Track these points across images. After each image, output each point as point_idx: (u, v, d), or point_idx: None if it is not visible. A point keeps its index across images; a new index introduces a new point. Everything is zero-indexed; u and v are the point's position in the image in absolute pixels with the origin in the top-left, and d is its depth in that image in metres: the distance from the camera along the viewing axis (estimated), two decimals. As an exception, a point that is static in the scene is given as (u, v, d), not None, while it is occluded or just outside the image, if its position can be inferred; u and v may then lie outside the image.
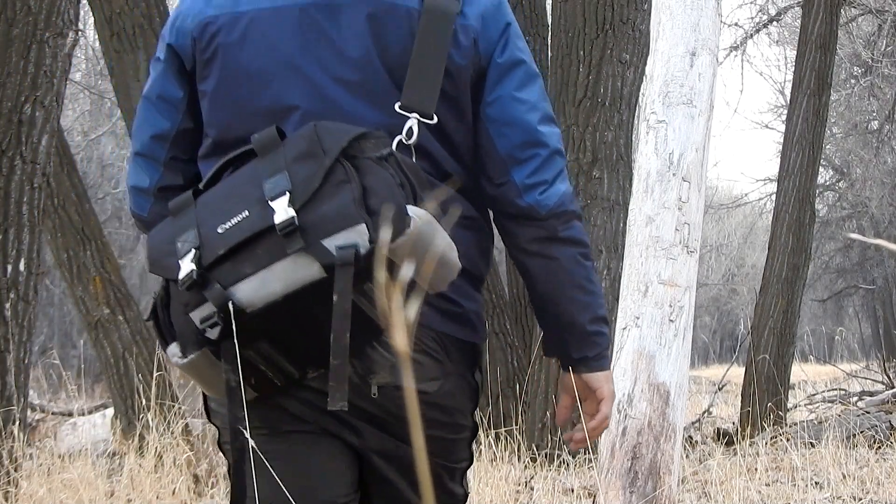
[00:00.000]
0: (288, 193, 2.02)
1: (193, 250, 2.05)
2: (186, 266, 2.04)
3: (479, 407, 2.45)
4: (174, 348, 2.10)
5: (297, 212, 2.00)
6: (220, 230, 2.05)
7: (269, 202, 2.02)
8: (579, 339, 2.37)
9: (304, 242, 1.99)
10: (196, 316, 2.04)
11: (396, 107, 2.20)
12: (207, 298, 2.03)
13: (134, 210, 2.41)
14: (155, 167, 2.36)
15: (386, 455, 2.26)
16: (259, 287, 2.01)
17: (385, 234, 1.98)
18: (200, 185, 2.19)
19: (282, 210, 2.01)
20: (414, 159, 2.20)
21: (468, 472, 2.44)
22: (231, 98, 2.27)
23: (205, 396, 2.33)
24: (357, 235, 1.98)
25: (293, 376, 2.10)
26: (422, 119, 2.21)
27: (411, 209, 2.02)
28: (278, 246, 2.00)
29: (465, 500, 2.42)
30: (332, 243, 1.98)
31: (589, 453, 7.09)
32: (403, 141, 2.20)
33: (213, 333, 2.02)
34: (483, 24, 2.28)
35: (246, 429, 2.10)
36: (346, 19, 2.23)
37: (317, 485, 2.26)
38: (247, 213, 2.04)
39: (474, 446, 2.60)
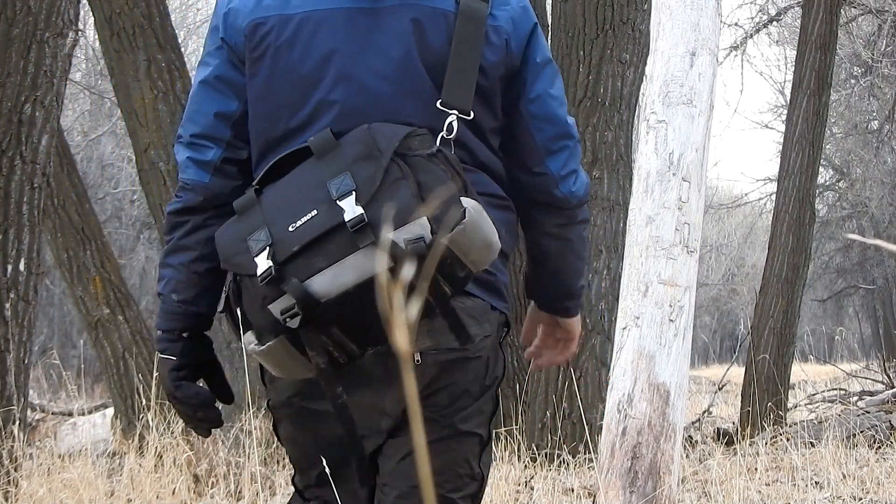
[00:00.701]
0: (354, 193, 2.24)
1: (267, 248, 2.26)
2: (263, 263, 2.25)
3: None
4: (249, 336, 2.31)
5: (364, 209, 2.23)
6: (290, 228, 2.26)
7: (337, 201, 2.24)
8: (569, 296, 2.76)
9: (374, 237, 2.21)
10: (275, 308, 2.25)
11: (438, 104, 2.39)
12: (286, 291, 2.24)
13: (194, 179, 2.49)
14: (218, 145, 2.50)
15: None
16: (333, 279, 2.23)
17: (446, 225, 2.21)
18: (255, 182, 2.38)
19: (350, 208, 2.23)
20: (453, 151, 2.40)
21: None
22: (280, 94, 2.44)
23: (262, 372, 2.51)
24: (420, 228, 2.21)
25: (355, 354, 2.31)
26: (461, 115, 2.40)
27: (464, 200, 2.25)
28: (349, 241, 2.23)
29: (484, 482, 2.71)
30: (399, 236, 2.20)
31: (589, 453, 7.10)
32: (444, 136, 2.39)
33: (293, 323, 2.23)
34: (514, 26, 2.48)
35: (340, 399, 2.33)
36: (388, 22, 2.42)
37: (337, 450, 2.50)
38: (315, 212, 2.26)
39: None
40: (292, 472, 2.68)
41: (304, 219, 2.27)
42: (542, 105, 2.53)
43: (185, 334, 2.54)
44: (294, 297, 2.23)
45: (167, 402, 7.60)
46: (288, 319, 2.24)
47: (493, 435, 2.74)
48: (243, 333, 2.35)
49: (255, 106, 2.48)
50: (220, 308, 2.48)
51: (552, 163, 2.55)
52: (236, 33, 2.47)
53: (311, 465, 2.56)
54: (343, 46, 2.43)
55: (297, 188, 2.32)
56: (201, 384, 2.61)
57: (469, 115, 2.41)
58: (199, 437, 5.15)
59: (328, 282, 2.24)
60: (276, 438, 2.72)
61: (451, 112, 2.40)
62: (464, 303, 2.42)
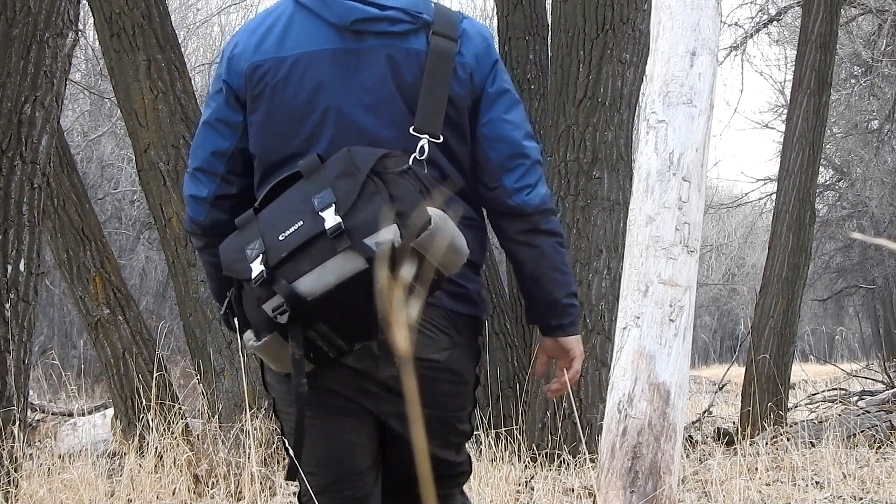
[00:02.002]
0: (334, 205, 2.59)
1: (261, 255, 2.62)
2: (257, 268, 2.61)
3: (480, 407, 3.01)
4: (249, 334, 2.68)
5: (342, 218, 2.57)
6: (280, 238, 2.62)
7: (319, 213, 2.59)
8: (557, 310, 3.02)
9: (350, 241, 2.56)
10: (268, 307, 2.60)
11: (411, 130, 2.74)
12: (276, 292, 2.59)
13: (192, 216, 2.93)
14: (213, 180, 2.89)
15: (401, 417, 2.81)
16: (317, 280, 2.57)
17: (412, 230, 2.54)
18: (257, 204, 2.74)
19: (330, 218, 2.58)
20: (426, 171, 2.75)
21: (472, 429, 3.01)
22: (277, 126, 2.81)
23: (263, 373, 2.90)
24: (390, 233, 2.54)
25: (343, 349, 2.65)
26: (431, 139, 2.76)
27: (430, 210, 2.58)
28: (329, 246, 2.57)
29: (472, 433, 3.02)
30: (371, 241, 2.54)
31: (590, 453, 7.10)
32: (417, 157, 2.74)
33: (283, 319, 2.59)
34: (477, 61, 2.84)
35: (303, 389, 2.66)
36: (369, 60, 2.77)
37: (346, 455, 2.86)
38: (301, 222, 2.61)
39: (475, 447, 3.05)
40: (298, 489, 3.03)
41: (292, 228, 2.62)
42: (494, 128, 2.86)
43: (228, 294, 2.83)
44: (283, 296, 2.58)
45: (167, 402, 7.61)
46: (278, 316, 2.59)
47: (474, 427, 3.11)
48: (242, 333, 2.71)
49: (256, 137, 2.85)
50: (222, 310, 2.83)
51: (507, 179, 2.87)
52: (237, 75, 2.84)
53: (319, 468, 2.92)
54: (329, 81, 2.78)
55: (287, 204, 2.67)
56: None
57: (439, 139, 2.77)
58: (199, 437, 5.21)
59: (312, 282, 2.58)
60: (280, 433, 3.03)
61: (422, 136, 2.75)
62: (429, 313, 2.77)
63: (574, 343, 3.09)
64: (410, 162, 2.71)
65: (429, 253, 2.55)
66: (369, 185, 2.61)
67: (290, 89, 2.79)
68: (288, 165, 2.78)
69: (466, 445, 3.09)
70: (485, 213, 2.99)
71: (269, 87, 2.80)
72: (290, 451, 2.84)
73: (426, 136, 2.76)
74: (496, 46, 2.98)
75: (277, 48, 2.81)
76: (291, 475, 2.83)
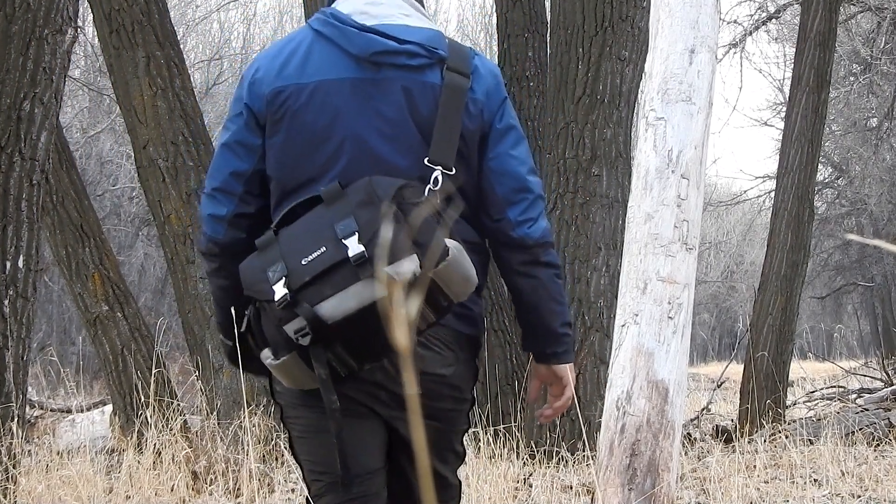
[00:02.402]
0: (357, 233, 2.71)
1: (283, 278, 2.73)
2: (280, 290, 2.72)
3: (479, 404, 3.13)
4: (267, 352, 2.80)
5: (364, 246, 2.69)
6: (303, 262, 2.73)
7: (342, 240, 2.71)
8: (552, 338, 3.11)
9: (373, 270, 2.67)
10: (289, 328, 2.72)
11: (426, 161, 2.87)
12: (299, 314, 2.70)
13: (211, 234, 3.01)
14: (232, 199, 2.98)
15: (409, 426, 2.95)
16: (338, 304, 2.69)
17: (431, 261, 2.69)
18: (274, 225, 2.85)
19: (354, 246, 2.69)
20: (439, 201, 2.85)
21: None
22: (296, 149, 2.92)
23: (271, 380, 3.00)
24: (412, 263, 2.66)
25: (353, 369, 2.78)
26: (444, 171, 2.88)
27: (448, 241, 2.75)
28: (352, 273, 2.69)
29: (465, 457, 3.16)
30: (393, 270, 2.65)
31: (588, 450, 7.10)
32: (431, 188, 2.85)
33: (305, 341, 2.70)
34: (487, 98, 2.98)
35: (335, 407, 2.80)
36: (386, 90, 2.90)
37: (356, 454, 2.95)
38: (324, 248, 2.72)
39: (473, 444, 3.20)
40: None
41: (315, 254, 2.73)
42: (501, 162, 2.99)
43: (235, 326, 2.98)
44: (305, 318, 2.70)
45: (165, 399, 7.61)
46: (300, 338, 2.71)
47: (465, 452, 3.22)
48: (260, 350, 2.83)
49: (275, 160, 2.95)
50: (242, 328, 2.91)
51: (511, 212, 3.00)
52: (259, 99, 2.95)
53: (321, 473, 3.02)
54: (348, 109, 2.90)
55: (309, 229, 2.79)
56: None
57: (451, 171, 2.89)
58: (198, 434, 5.18)
59: (334, 307, 2.69)
60: (291, 455, 3.20)
61: (436, 167, 2.88)
62: (438, 332, 2.91)
63: (567, 370, 3.18)
64: (426, 193, 2.84)
65: (444, 282, 2.72)
66: (389, 215, 2.73)
67: (310, 115, 2.91)
68: (305, 188, 2.90)
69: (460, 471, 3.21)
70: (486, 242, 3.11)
71: (290, 111, 2.92)
72: (297, 457, 3.05)
73: (440, 167, 2.88)
74: (504, 86, 3.08)
75: (298, 75, 2.93)
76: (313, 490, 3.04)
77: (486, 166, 2.99)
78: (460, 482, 3.20)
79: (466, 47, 3.03)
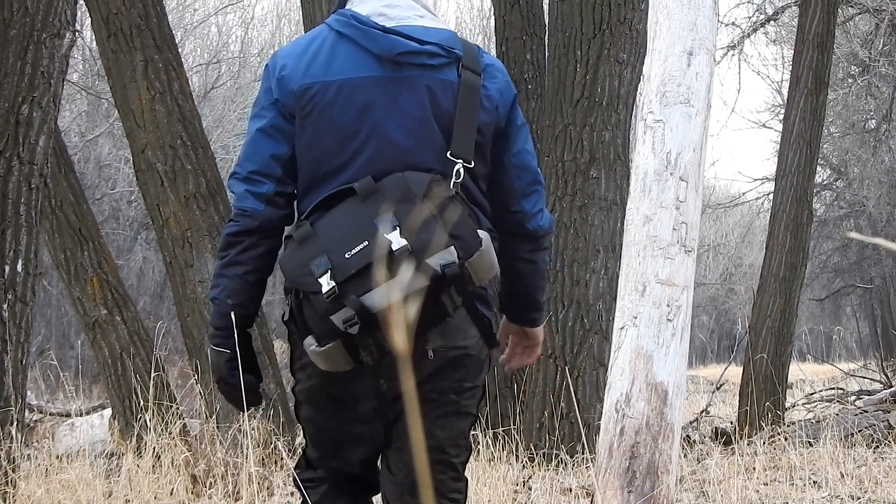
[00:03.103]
0: (398, 228, 2.90)
1: (328, 271, 2.90)
2: (326, 283, 2.89)
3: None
4: (310, 340, 2.96)
5: (407, 240, 2.88)
6: (347, 255, 2.91)
7: (385, 235, 2.89)
8: (534, 307, 3.46)
9: (416, 261, 2.87)
10: (337, 318, 2.89)
11: (448, 154, 3.06)
12: (346, 305, 2.89)
13: (252, 208, 3.13)
14: (271, 180, 3.14)
15: (422, 398, 3.12)
16: (384, 295, 2.87)
17: (466, 253, 2.91)
18: (305, 216, 3.04)
19: (396, 240, 2.88)
20: (459, 192, 3.05)
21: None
22: (324, 143, 3.09)
23: (293, 362, 3.16)
24: (450, 255, 2.89)
25: (386, 353, 2.94)
26: (465, 164, 3.07)
27: (480, 232, 2.97)
28: (395, 264, 2.87)
29: (471, 450, 3.34)
30: (435, 261, 2.88)
31: (587, 453, 7.10)
32: (455, 181, 3.04)
33: (354, 330, 2.88)
34: (501, 95, 3.18)
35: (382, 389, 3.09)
36: (409, 88, 3.08)
37: (351, 436, 3.19)
38: (367, 243, 2.91)
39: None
40: (304, 444, 3.33)
41: (358, 248, 2.91)
42: (521, 158, 3.23)
43: (237, 331, 3.16)
44: (353, 309, 2.88)
45: (164, 403, 7.61)
46: (349, 327, 2.89)
47: (472, 447, 3.42)
48: (302, 337, 3.00)
49: (303, 152, 3.12)
50: (284, 318, 3.07)
51: (526, 203, 3.25)
52: (288, 95, 3.12)
53: (324, 440, 3.23)
54: (375, 106, 3.07)
55: (347, 223, 2.96)
56: None
57: (471, 164, 3.09)
58: (197, 437, 5.60)
59: (380, 297, 2.88)
60: (296, 419, 3.35)
61: (457, 161, 3.07)
62: (460, 312, 3.07)
63: (541, 331, 3.55)
64: (452, 186, 3.03)
65: (474, 270, 2.94)
66: (425, 210, 2.94)
67: (337, 110, 3.08)
68: (331, 179, 3.09)
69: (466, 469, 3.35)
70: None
71: (318, 107, 3.09)
72: (303, 429, 3.28)
73: (461, 161, 3.07)
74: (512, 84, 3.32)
75: (324, 72, 3.10)
76: (303, 464, 3.31)
77: (508, 162, 3.22)
78: (467, 480, 3.32)
79: (475, 45, 3.23)
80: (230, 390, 3.24)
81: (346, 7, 3.23)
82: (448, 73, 3.12)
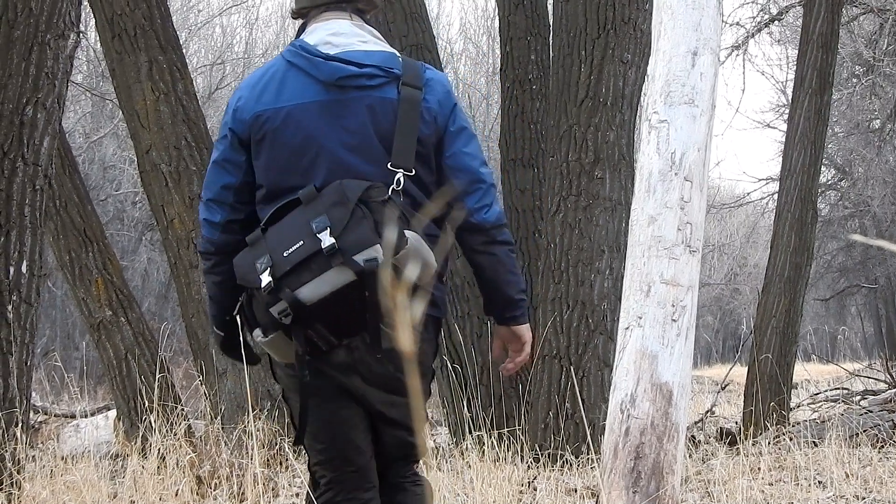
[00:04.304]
0: (329, 228, 3.19)
1: (269, 268, 3.22)
2: (265, 279, 3.22)
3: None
4: (258, 331, 3.29)
5: (335, 239, 3.17)
6: (285, 254, 3.22)
7: (317, 234, 3.19)
8: (510, 304, 3.64)
9: (342, 258, 3.16)
10: (274, 310, 3.21)
11: (388, 165, 3.37)
12: (282, 298, 3.20)
13: (208, 236, 3.51)
14: (223, 208, 3.49)
15: (384, 403, 3.44)
16: (314, 289, 3.18)
17: (391, 250, 3.15)
18: (262, 224, 3.34)
19: (326, 239, 3.18)
20: (401, 199, 3.36)
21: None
22: (279, 163, 3.42)
23: (272, 366, 3.52)
24: (375, 252, 3.16)
25: (332, 343, 3.26)
26: (405, 173, 3.37)
27: (407, 232, 3.21)
28: (325, 262, 3.17)
29: (429, 418, 3.55)
30: (360, 258, 3.15)
31: (592, 453, 7.09)
32: (394, 188, 3.34)
33: (286, 320, 3.20)
34: (440, 106, 3.48)
35: (306, 378, 3.32)
36: (352, 109, 3.40)
37: (345, 431, 3.47)
38: (302, 242, 3.21)
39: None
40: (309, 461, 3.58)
41: (294, 247, 3.22)
42: (456, 160, 3.50)
43: (227, 318, 3.53)
44: (286, 301, 3.19)
45: (169, 404, 7.61)
46: (283, 318, 3.20)
47: (428, 416, 3.76)
48: (252, 330, 3.32)
49: (261, 173, 3.45)
50: (235, 312, 3.42)
51: (468, 200, 3.50)
52: (242, 123, 3.46)
53: (324, 430, 3.45)
54: (319, 127, 3.40)
55: (290, 226, 3.28)
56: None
57: (412, 172, 3.39)
58: (202, 438, 6.03)
59: (311, 290, 3.18)
60: (296, 425, 3.55)
61: (398, 170, 3.37)
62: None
63: (525, 330, 3.69)
64: (389, 192, 3.31)
65: (405, 267, 3.16)
66: (357, 212, 3.22)
67: (287, 133, 3.41)
68: (289, 195, 3.37)
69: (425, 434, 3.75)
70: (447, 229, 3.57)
71: (270, 132, 3.42)
72: (297, 425, 3.47)
73: (401, 170, 3.37)
74: (454, 93, 3.62)
75: (275, 100, 3.44)
76: (298, 441, 3.51)
77: (444, 164, 3.50)
78: (423, 442, 3.74)
79: (419, 63, 3.55)
80: (235, 359, 3.65)
81: (300, 37, 3.56)
82: (388, 90, 3.44)
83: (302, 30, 3.62)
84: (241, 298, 3.37)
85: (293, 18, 3.69)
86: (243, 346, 3.62)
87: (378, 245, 3.17)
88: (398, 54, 3.54)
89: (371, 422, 3.50)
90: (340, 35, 3.50)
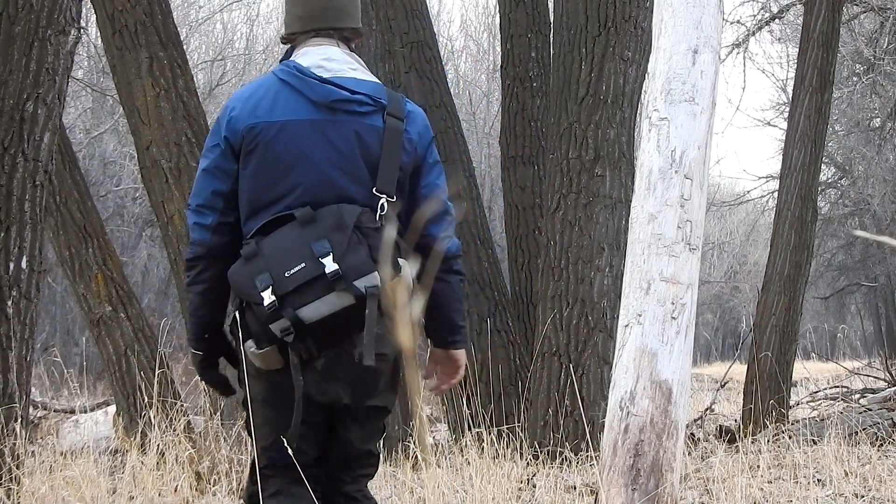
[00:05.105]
0: (331, 254, 3.39)
1: (270, 286, 3.39)
2: (268, 297, 3.38)
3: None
4: (251, 343, 3.45)
5: (338, 264, 3.37)
6: (286, 274, 3.39)
7: (320, 259, 3.39)
8: (454, 330, 3.82)
9: (345, 283, 3.37)
10: (275, 327, 3.38)
11: (374, 190, 3.56)
12: (284, 316, 3.38)
13: (200, 239, 3.64)
14: (214, 212, 3.64)
15: (347, 408, 3.59)
16: (315, 309, 3.38)
17: (389, 276, 3.39)
18: (251, 235, 3.52)
19: (329, 264, 3.38)
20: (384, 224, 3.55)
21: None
22: (265, 175, 3.58)
23: (240, 371, 3.60)
24: (374, 279, 3.38)
25: (314, 356, 3.46)
26: (388, 199, 3.57)
27: (400, 260, 3.43)
28: (328, 285, 3.37)
29: (385, 431, 3.83)
30: (361, 284, 3.37)
31: (591, 450, 7.10)
32: (380, 214, 3.54)
33: (290, 338, 3.39)
34: (420, 138, 3.69)
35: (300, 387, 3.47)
36: (341, 130, 3.60)
37: (308, 430, 3.59)
38: (304, 264, 3.39)
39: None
40: (252, 463, 3.74)
41: (296, 269, 3.39)
42: (430, 190, 3.71)
43: (206, 336, 3.71)
44: (289, 320, 3.38)
45: (169, 400, 7.62)
46: (285, 336, 3.39)
47: (386, 428, 3.87)
48: (244, 340, 3.48)
49: (247, 181, 3.61)
50: (228, 322, 3.58)
51: (436, 229, 3.70)
52: (236, 133, 3.61)
53: (278, 439, 3.59)
54: (310, 143, 3.58)
55: (288, 245, 3.45)
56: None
57: (394, 199, 3.58)
58: (201, 434, 6.25)
59: (311, 311, 3.38)
60: (248, 431, 3.74)
61: (382, 196, 3.56)
62: (384, 324, 3.52)
63: (461, 355, 3.87)
64: (378, 219, 3.52)
65: (399, 292, 3.35)
66: (353, 238, 3.43)
67: (278, 147, 3.58)
68: (273, 206, 3.57)
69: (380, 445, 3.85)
70: None
71: (262, 143, 3.59)
72: (251, 425, 3.67)
73: (385, 195, 3.57)
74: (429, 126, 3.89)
75: (269, 114, 3.60)
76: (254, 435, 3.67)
77: (419, 193, 3.70)
78: (380, 452, 3.83)
79: (401, 95, 3.76)
80: (208, 384, 3.88)
81: (291, 58, 3.75)
82: (374, 119, 3.63)
83: (289, 53, 3.81)
84: (235, 310, 3.54)
85: (282, 43, 3.89)
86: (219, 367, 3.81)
87: (376, 272, 3.39)
88: (384, 85, 3.77)
89: (331, 429, 3.69)
90: (333, 61, 3.70)
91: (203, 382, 3.90)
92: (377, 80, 3.77)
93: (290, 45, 3.85)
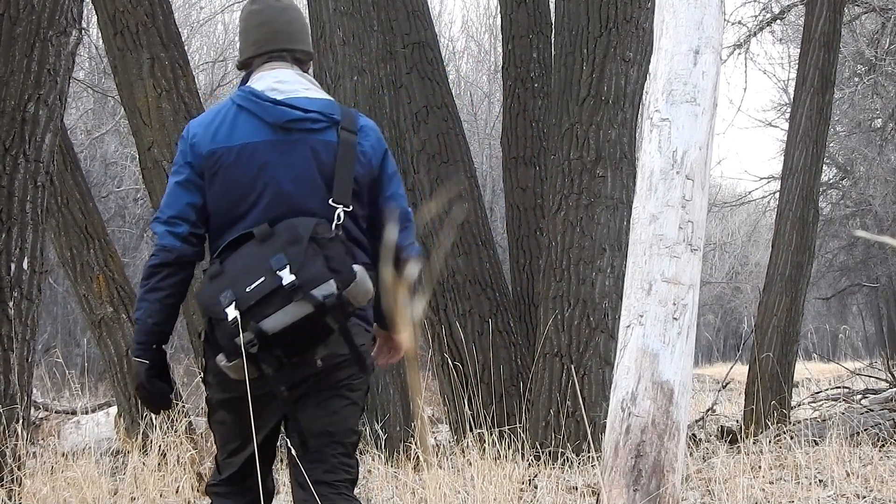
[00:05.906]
0: (288, 266, 3.56)
1: (233, 302, 3.56)
2: (232, 312, 3.55)
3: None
4: (221, 356, 3.59)
5: (295, 276, 3.54)
6: (247, 289, 3.56)
7: (277, 272, 3.56)
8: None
9: (302, 293, 3.53)
10: (241, 340, 3.52)
11: (330, 201, 3.74)
12: (247, 330, 3.53)
13: (169, 245, 3.79)
14: (187, 223, 3.80)
15: (305, 405, 3.77)
16: (276, 320, 3.53)
17: (344, 284, 3.56)
18: (217, 255, 3.76)
19: (287, 276, 3.55)
20: (342, 233, 3.74)
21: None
22: (229, 195, 3.77)
23: (205, 375, 3.83)
24: (330, 287, 3.54)
25: (282, 361, 3.62)
26: (344, 209, 3.74)
27: (355, 266, 3.62)
28: (286, 296, 3.54)
29: (360, 437, 3.97)
30: (318, 293, 3.53)
31: (593, 451, 7.09)
32: (336, 223, 3.71)
33: (254, 350, 3.54)
34: (373, 150, 3.88)
35: (280, 390, 3.69)
36: (297, 148, 3.79)
37: (263, 426, 3.80)
38: (263, 279, 3.56)
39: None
40: (216, 451, 3.92)
41: (256, 283, 3.57)
42: (393, 200, 3.90)
43: (154, 346, 3.83)
44: (252, 333, 3.53)
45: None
46: (250, 347, 3.54)
47: (366, 406, 4.07)
48: (215, 354, 3.63)
49: (213, 202, 3.79)
50: (202, 337, 3.75)
51: (401, 238, 3.86)
52: (198, 157, 3.81)
53: (231, 441, 3.83)
54: (269, 164, 3.77)
55: (248, 262, 3.63)
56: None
57: (349, 208, 3.76)
58: (203, 435, 6.23)
59: (273, 322, 3.54)
60: (208, 425, 3.92)
61: (338, 206, 3.74)
62: (353, 328, 3.73)
63: (403, 338, 4.03)
64: (334, 228, 3.69)
65: (352, 297, 3.58)
66: (309, 250, 3.59)
67: (239, 169, 3.77)
68: (237, 224, 3.77)
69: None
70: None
71: (223, 167, 3.77)
72: (214, 433, 3.87)
73: (341, 205, 3.74)
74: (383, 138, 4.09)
75: (228, 139, 3.79)
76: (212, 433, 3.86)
77: (381, 204, 3.89)
78: (357, 460, 3.93)
79: (354, 110, 3.96)
80: (147, 395, 3.87)
81: (247, 84, 3.93)
82: (329, 134, 3.81)
83: (246, 79, 3.99)
84: (205, 327, 3.71)
85: (238, 70, 4.08)
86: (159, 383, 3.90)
87: (332, 280, 3.55)
88: (335, 101, 3.97)
89: (277, 429, 3.90)
90: (285, 83, 3.89)
91: (138, 395, 3.96)
92: (330, 98, 3.96)
93: (246, 71, 4.04)
